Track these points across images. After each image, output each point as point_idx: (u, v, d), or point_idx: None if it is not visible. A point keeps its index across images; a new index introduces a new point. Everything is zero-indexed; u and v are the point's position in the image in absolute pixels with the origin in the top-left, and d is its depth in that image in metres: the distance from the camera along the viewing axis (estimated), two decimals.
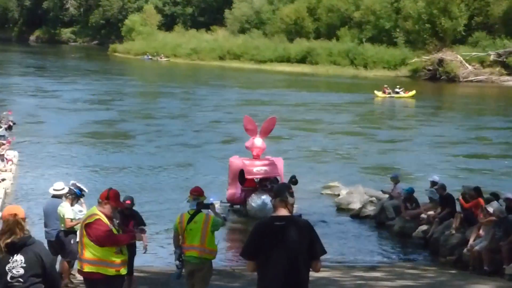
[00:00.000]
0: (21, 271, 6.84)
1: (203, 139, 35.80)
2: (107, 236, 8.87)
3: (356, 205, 21.69)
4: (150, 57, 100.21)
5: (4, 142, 26.78)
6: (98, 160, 29.20)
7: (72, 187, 13.57)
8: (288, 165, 27.91)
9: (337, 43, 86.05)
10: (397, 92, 56.48)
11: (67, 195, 13.42)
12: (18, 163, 26.90)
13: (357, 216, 21.15)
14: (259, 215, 20.09)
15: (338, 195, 23.13)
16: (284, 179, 21.12)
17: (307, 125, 41.33)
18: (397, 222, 19.66)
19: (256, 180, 20.96)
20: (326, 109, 49.30)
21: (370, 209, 21.11)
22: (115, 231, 9.03)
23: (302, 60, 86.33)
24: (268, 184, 20.77)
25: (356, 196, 22.15)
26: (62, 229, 13.29)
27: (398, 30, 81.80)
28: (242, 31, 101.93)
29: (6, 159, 25.25)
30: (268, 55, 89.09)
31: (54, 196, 13.90)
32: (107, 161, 28.94)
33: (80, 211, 13.48)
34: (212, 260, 10.67)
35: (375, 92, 56.86)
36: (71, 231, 13.03)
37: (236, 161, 21.20)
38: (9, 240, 6.86)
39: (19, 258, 6.85)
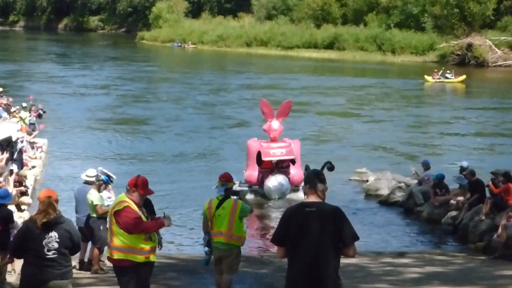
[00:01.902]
0: (56, 245, 8.25)
1: (226, 123, 36.22)
2: (136, 224, 8.85)
3: (384, 191, 21.60)
4: (179, 44, 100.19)
5: (35, 130, 26.97)
6: (123, 146, 29.37)
7: (100, 174, 13.64)
8: (317, 151, 28.08)
9: (364, 28, 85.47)
10: (447, 77, 56.13)
11: (95, 181, 13.48)
12: (47, 150, 27.08)
13: (385, 202, 21.06)
14: (275, 196, 21.02)
15: (367, 181, 23.06)
16: (300, 161, 21.88)
17: (339, 110, 41.27)
18: (425, 208, 19.55)
19: (273, 162, 21.36)
20: (365, 94, 49.22)
21: (399, 195, 21.00)
22: (144, 219, 9.02)
23: (329, 46, 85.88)
24: (284, 165, 21.46)
25: (384, 182, 22.05)
26: (92, 215, 13.36)
27: (426, 15, 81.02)
28: (269, 17, 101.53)
29: (36, 146, 25.46)
30: (295, 42, 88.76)
31: (86, 182, 13.97)
32: (132, 148, 29.11)
33: (109, 197, 13.54)
34: (241, 247, 10.66)
35: (425, 77, 56.61)
36: (100, 217, 13.09)
37: (254, 143, 21.80)
38: (45, 220, 8.23)
39: (53, 234, 8.26)
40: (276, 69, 67.92)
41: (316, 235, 6.92)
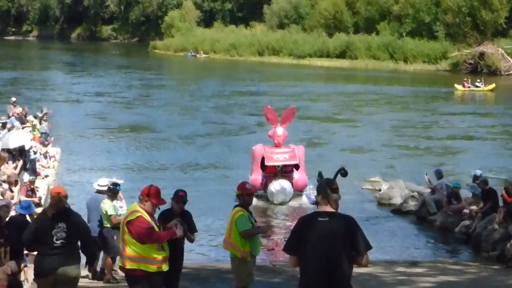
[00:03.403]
0: (64, 234, 9.01)
1: (236, 130, 36.60)
2: (148, 234, 8.85)
3: (397, 200, 21.53)
4: (193, 53, 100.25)
5: (47, 139, 27.05)
6: (133, 155, 29.45)
7: (111, 186, 13.66)
8: (330, 158, 28.06)
9: (376, 37, 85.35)
10: (477, 86, 56.13)
11: (108, 192, 13.50)
12: (60, 159, 27.14)
13: (399, 211, 21.00)
14: (278, 200, 21.47)
15: (379, 190, 23.00)
16: (304, 166, 22.39)
17: (355, 118, 41.23)
18: (439, 217, 19.47)
19: (277, 167, 21.89)
20: (389, 103, 49.27)
21: (412, 204, 20.94)
22: (156, 228, 9.01)
23: (341, 54, 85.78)
24: (288, 170, 22.04)
25: (397, 191, 21.99)
26: (106, 225, 13.36)
27: (438, 23, 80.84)
28: (281, 26, 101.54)
29: (49, 156, 25.52)
30: (307, 50, 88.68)
31: (99, 191, 13.99)
32: (143, 156, 29.16)
33: (121, 206, 13.56)
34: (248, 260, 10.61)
35: (455, 85, 56.56)
36: (114, 227, 13.08)
37: (259, 148, 22.32)
38: (54, 211, 9.05)
39: (62, 225, 9.02)
40: (287, 78, 67.94)
41: (328, 244, 6.93)
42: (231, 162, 28.12)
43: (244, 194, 10.60)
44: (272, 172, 22.03)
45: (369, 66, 79.25)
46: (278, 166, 21.94)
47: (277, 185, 21.55)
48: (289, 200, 21.70)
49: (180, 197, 10.26)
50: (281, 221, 20.34)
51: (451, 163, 28.46)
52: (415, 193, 21.62)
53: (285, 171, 22.06)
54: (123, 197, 14.47)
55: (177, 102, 48.39)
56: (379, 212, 21.32)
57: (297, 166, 22.16)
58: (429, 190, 20.96)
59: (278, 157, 21.72)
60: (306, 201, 21.85)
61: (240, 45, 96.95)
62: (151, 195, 9.04)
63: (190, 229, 10.22)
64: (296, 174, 22.10)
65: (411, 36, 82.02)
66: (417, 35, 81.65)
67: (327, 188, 7.20)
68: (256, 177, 22.00)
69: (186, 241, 10.24)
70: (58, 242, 9.01)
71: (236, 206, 10.70)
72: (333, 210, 7.12)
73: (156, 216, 9.37)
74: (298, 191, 22.06)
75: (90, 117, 40.04)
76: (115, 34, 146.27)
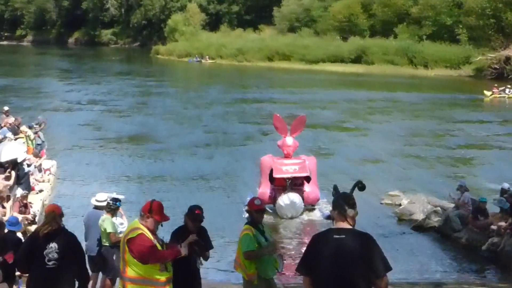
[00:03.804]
0: (55, 255, 9.13)
1: (243, 140, 36.51)
2: (151, 253, 8.74)
3: (418, 216, 21.37)
4: (198, 59, 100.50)
5: (42, 151, 27.00)
6: (133, 167, 29.32)
7: (110, 202, 13.57)
8: (343, 170, 27.96)
9: (394, 41, 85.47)
10: (507, 92, 56.21)
11: (107, 209, 13.41)
12: (56, 173, 27.08)
13: (420, 227, 20.83)
14: (287, 214, 21.35)
15: (399, 205, 22.86)
16: (316, 178, 22.23)
17: (369, 127, 41.18)
18: (464, 234, 19.30)
19: (286, 180, 21.75)
20: (414, 110, 49.28)
21: (434, 220, 20.77)
22: (159, 247, 8.90)
23: (356, 59, 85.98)
24: (298, 183, 21.88)
25: (419, 206, 21.85)
26: (105, 244, 13.26)
27: (460, 26, 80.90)
28: (292, 29, 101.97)
29: (44, 168, 25.44)
30: (320, 55, 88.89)
31: (96, 207, 13.91)
32: (143, 168, 29.05)
33: (121, 223, 13.49)
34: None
35: (484, 92, 56.64)
36: (114, 246, 12.98)
37: (267, 160, 22.20)
38: (46, 231, 9.18)
39: (53, 245, 9.14)
40: (298, 84, 68.09)
41: (345, 264, 6.87)
42: (237, 174, 28.04)
43: (253, 211, 10.50)
44: (281, 185, 21.87)
45: (386, 71, 79.31)
46: (288, 178, 21.79)
47: (286, 198, 21.39)
48: (300, 215, 21.57)
49: (196, 216, 10.10)
50: (291, 238, 20.16)
51: (475, 175, 28.29)
52: (438, 208, 21.47)
53: (295, 184, 21.94)
54: (123, 213, 14.38)
55: (179, 110, 48.45)
56: (399, 228, 21.17)
57: (308, 179, 22.03)
58: (453, 205, 20.79)
59: (288, 169, 21.57)
60: (318, 215, 21.75)
61: (248, 50, 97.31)
62: (153, 211, 8.95)
63: (206, 246, 10.15)
64: (307, 187, 21.99)
65: (431, 39, 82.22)
66: (437, 39, 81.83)
67: (344, 203, 7.15)
68: (264, 190, 21.86)
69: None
70: (50, 263, 9.14)
71: (246, 223, 10.60)
72: (350, 227, 7.07)
73: (158, 233, 9.23)
74: (309, 205, 21.98)
75: (85, 127, 40.04)
76: (115, 39, 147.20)
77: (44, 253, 9.12)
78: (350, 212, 7.09)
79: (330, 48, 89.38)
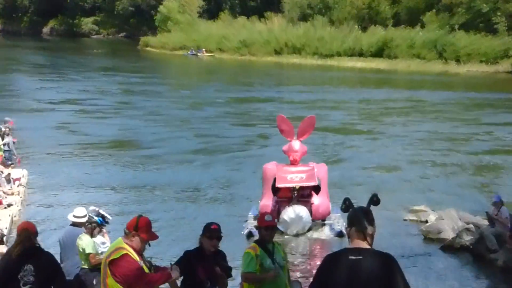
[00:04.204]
0: (32, 278, 9.26)
1: (245, 144, 36.80)
2: (137, 276, 8.77)
3: (448, 234, 21.39)
4: (194, 52, 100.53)
5: (11, 158, 27.04)
6: (116, 177, 29.31)
7: (92, 214, 13.55)
8: (356, 180, 28.01)
9: (422, 31, 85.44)
10: None
11: (87, 224, 13.41)
12: (27, 184, 27.08)
13: (450, 247, 20.84)
14: (292, 231, 21.18)
15: (426, 221, 22.88)
16: (327, 189, 22.14)
17: (389, 131, 41.24)
18: (501, 254, 19.31)
19: (292, 190, 21.62)
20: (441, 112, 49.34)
21: (467, 239, 20.77)
22: (146, 270, 8.93)
23: (377, 53, 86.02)
24: (306, 194, 21.73)
25: (448, 223, 21.86)
26: (83, 266, 13.28)
27: (498, 14, 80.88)
28: (303, 18, 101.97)
29: (13, 179, 25.42)
30: (335, 48, 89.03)
31: (74, 224, 13.91)
32: (128, 178, 29.06)
33: (103, 243, 13.47)
34: None
35: None
36: (94, 269, 12.99)
37: (271, 167, 22.14)
38: (19, 252, 9.31)
39: (29, 267, 9.25)
40: (309, 82, 68.29)
41: (366, 287, 6.86)
42: (236, 185, 28.08)
43: (262, 228, 10.51)
44: (286, 197, 21.76)
45: (411, 67, 79.38)
46: (294, 188, 21.64)
47: (292, 212, 21.15)
48: (307, 231, 21.43)
49: (213, 231, 10.10)
50: (298, 257, 20.13)
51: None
52: (471, 225, 21.48)
53: (302, 195, 21.78)
54: (106, 231, 14.36)
55: (168, 111, 48.58)
56: (425, 249, 21.17)
57: (317, 189, 21.91)
58: (487, 222, 20.80)
59: (293, 178, 21.45)
60: (329, 232, 21.65)
61: (252, 42, 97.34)
62: (140, 228, 8.97)
63: (224, 272, 10.12)
64: (316, 199, 21.86)
65: (465, 30, 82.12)
66: (472, 29, 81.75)
67: (363, 219, 7.14)
68: (266, 202, 21.77)
69: None
70: (26, 287, 9.25)
71: (254, 241, 10.67)
72: (369, 247, 7.07)
73: (144, 254, 9.26)
74: (319, 220, 21.88)
75: (58, 130, 40.13)
76: (97, 28, 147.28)
77: (19, 276, 9.25)
78: (370, 229, 7.11)
79: (347, 40, 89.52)
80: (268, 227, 10.46)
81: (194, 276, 9.91)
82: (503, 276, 18.75)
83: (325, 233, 21.70)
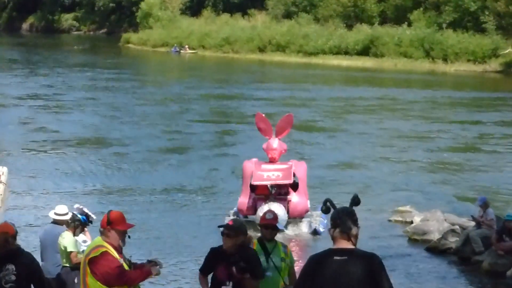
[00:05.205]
0: (13, 277, 9.52)
1: (228, 143, 37.02)
2: (117, 274, 8.80)
3: (433, 236, 21.47)
4: (177, 49, 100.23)
5: None
6: (100, 175, 29.26)
7: (75, 212, 13.56)
8: (350, 181, 28.06)
9: (409, 29, 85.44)
10: None
11: (70, 222, 13.40)
12: (7, 181, 27.04)
13: (435, 249, 20.92)
14: None
15: (411, 222, 22.96)
16: (306, 186, 22.40)
17: (372, 129, 41.30)
18: (486, 257, 19.39)
19: (270, 188, 21.95)
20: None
21: (452, 241, 20.86)
22: (126, 267, 8.96)
23: (363, 51, 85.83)
24: (283, 192, 22.03)
25: (434, 224, 21.93)
26: (65, 265, 13.29)
27: (487, 12, 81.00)
28: (288, 15, 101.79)
29: None
30: (320, 46, 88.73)
31: (55, 222, 13.90)
32: (112, 178, 28.98)
33: (85, 241, 13.49)
34: None
35: None
36: (75, 267, 12.98)
37: (249, 165, 22.38)
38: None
39: (10, 267, 9.52)
40: (290, 80, 68.30)
41: None
42: (216, 185, 28.10)
43: (261, 226, 10.62)
44: (263, 194, 22.02)
45: (398, 66, 79.32)
46: (272, 186, 21.97)
47: (267, 209, 21.22)
48: (284, 229, 21.44)
49: (229, 227, 9.87)
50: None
51: (498, 187, 28.43)
52: (456, 227, 21.56)
53: (280, 193, 22.10)
54: (87, 230, 14.35)
55: (145, 109, 48.43)
56: (410, 250, 21.26)
57: (295, 187, 22.17)
58: (473, 223, 20.89)
59: (269, 175, 21.72)
60: (305, 230, 21.81)
61: (235, 40, 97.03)
62: (113, 221, 8.98)
63: (252, 273, 9.74)
64: (294, 197, 22.12)
65: (453, 28, 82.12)
66: (460, 28, 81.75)
67: (348, 219, 7.21)
68: (244, 199, 22.08)
69: None
70: (7, 286, 9.55)
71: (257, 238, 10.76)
72: (353, 247, 7.13)
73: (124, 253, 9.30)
74: (297, 218, 22.06)
75: (25, 126, 40.11)
76: (77, 25, 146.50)
77: (0, 275, 9.54)
78: (354, 230, 7.19)
79: (332, 38, 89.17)
80: (266, 225, 10.50)
81: (214, 276, 9.86)
82: (487, 279, 18.84)
83: (301, 230, 21.91)
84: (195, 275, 17.56)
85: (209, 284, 9.93)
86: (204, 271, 10.04)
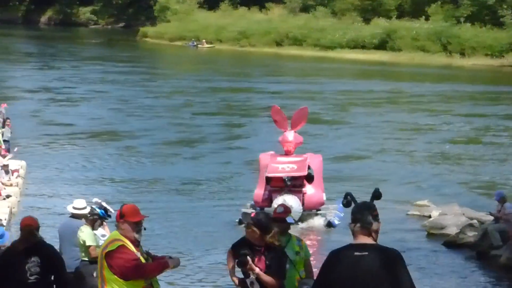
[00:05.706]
0: (38, 269, 9.84)
1: (244, 136, 37.17)
2: (133, 267, 8.73)
3: (451, 230, 21.41)
4: (194, 43, 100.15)
5: (9, 148, 27.05)
6: (117, 169, 29.50)
7: (94, 207, 13.52)
8: (368, 175, 28.00)
9: (426, 23, 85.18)
10: None
11: (88, 216, 13.37)
12: (26, 175, 27.11)
13: (453, 243, 20.86)
14: None
15: (429, 216, 22.89)
16: (322, 179, 22.62)
17: (389, 124, 41.23)
18: (504, 251, 19.30)
19: (285, 180, 22.00)
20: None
21: (470, 235, 20.79)
22: (143, 260, 8.92)
23: (380, 45, 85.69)
24: (298, 184, 22.18)
25: (452, 219, 21.88)
26: (83, 258, 13.27)
27: (504, 6, 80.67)
28: (304, 9, 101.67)
29: (11, 170, 25.43)
30: (337, 40, 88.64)
31: (73, 216, 13.89)
32: (129, 171, 29.22)
33: (103, 235, 13.44)
34: None
35: None
36: (93, 261, 12.94)
37: (265, 158, 22.71)
38: (26, 245, 9.94)
39: (35, 259, 9.86)
40: (308, 74, 68.25)
41: (371, 284, 6.89)
42: (234, 175, 28.16)
43: (273, 219, 10.48)
44: (278, 186, 22.15)
45: (415, 60, 79.12)
46: (287, 178, 22.04)
47: (282, 202, 21.15)
48: (298, 221, 21.39)
49: (252, 219, 9.59)
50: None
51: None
52: (474, 221, 21.49)
53: (295, 185, 22.20)
54: (106, 224, 14.30)
55: (159, 102, 48.57)
56: (428, 244, 21.24)
57: (309, 179, 22.28)
58: (491, 218, 20.79)
59: (284, 168, 21.93)
60: (319, 222, 21.83)
61: (252, 33, 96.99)
62: (125, 214, 8.89)
63: (276, 270, 9.33)
64: (309, 189, 22.25)
65: (470, 22, 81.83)
66: (477, 21, 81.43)
67: (368, 214, 7.14)
68: (259, 191, 22.22)
69: None
70: (32, 277, 9.85)
71: None
72: (374, 242, 7.06)
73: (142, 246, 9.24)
74: (312, 210, 22.21)
75: (61, 120, 40.13)
76: (95, 18, 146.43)
77: (26, 267, 9.82)
78: (375, 225, 7.11)
79: (349, 32, 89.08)
80: (277, 219, 10.30)
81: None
82: (505, 273, 18.76)
83: (315, 223, 21.94)
84: (212, 267, 17.72)
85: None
86: (235, 248, 9.78)
